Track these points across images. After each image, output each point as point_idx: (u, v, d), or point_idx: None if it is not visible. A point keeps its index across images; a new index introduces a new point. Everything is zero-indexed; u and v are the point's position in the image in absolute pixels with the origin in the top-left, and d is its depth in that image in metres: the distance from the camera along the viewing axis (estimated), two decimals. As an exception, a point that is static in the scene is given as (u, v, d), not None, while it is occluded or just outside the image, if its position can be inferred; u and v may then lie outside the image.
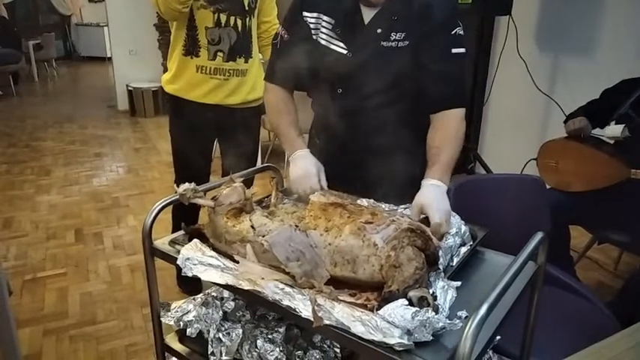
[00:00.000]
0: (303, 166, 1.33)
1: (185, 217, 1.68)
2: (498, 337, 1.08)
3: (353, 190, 1.33)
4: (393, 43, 1.31)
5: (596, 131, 2.35)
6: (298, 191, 1.31)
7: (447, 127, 1.29)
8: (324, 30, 1.37)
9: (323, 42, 1.37)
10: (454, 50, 1.30)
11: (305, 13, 1.39)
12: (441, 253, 0.96)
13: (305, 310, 0.82)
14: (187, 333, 1.13)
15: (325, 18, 1.36)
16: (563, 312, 1.58)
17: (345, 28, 1.34)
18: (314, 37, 1.39)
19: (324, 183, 1.33)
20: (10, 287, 1.81)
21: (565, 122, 2.41)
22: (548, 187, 2.27)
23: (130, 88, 6.34)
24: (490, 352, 1.09)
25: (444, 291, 0.87)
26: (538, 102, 3.40)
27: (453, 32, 1.30)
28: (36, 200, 3.75)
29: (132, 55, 6.42)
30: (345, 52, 1.35)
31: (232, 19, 2.07)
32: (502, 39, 3.49)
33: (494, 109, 3.91)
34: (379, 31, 1.31)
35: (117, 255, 2.94)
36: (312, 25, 1.38)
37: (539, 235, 0.93)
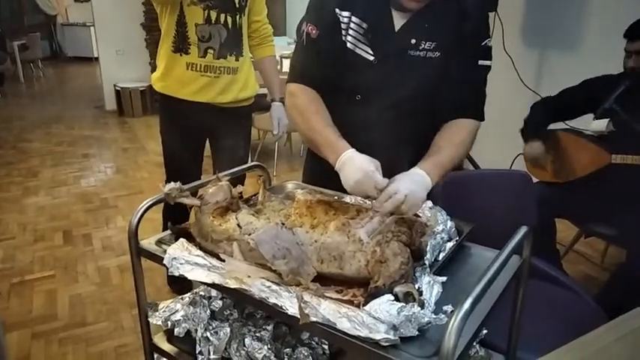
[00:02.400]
0: (359, 167, 1.12)
1: (175, 216, 1.67)
2: (485, 331, 1.09)
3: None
4: (422, 53, 1.25)
5: (582, 126, 2.38)
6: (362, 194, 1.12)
7: (454, 133, 1.26)
8: (351, 32, 1.28)
9: (349, 45, 1.28)
10: (481, 62, 1.27)
11: (338, 10, 1.27)
12: (428, 248, 0.96)
13: (292, 308, 0.82)
14: (175, 332, 1.13)
15: (356, 20, 1.27)
16: (551, 305, 1.60)
17: (376, 34, 1.26)
18: (343, 37, 1.28)
19: (382, 181, 1.09)
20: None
21: (525, 135, 2.41)
22: (535, 180, 2.29)
23: (117, 88, 6.30)
24: (477, 346, 1.09)
25: (430, 286, 0.87)
26: (524, 97, 3.42)
27: (483, 44, 1.27)
28: (23, 202, 3.71)
29: (119, 55, 6.37)
30: (370, 58, 1.28)
31: (222, 16, 2.06)
32: (488, 35, 3.51)
33: (482, 105, 3.91)
34: (409, 39, 1.24)
35: (106, 256, 2.92)
36: (343, 25, 1.28)
37: (523, 229, 0.94)
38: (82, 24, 10.73)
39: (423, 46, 1.25)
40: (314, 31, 1.29)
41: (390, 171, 1.20)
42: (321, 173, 1.44)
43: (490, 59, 1.29)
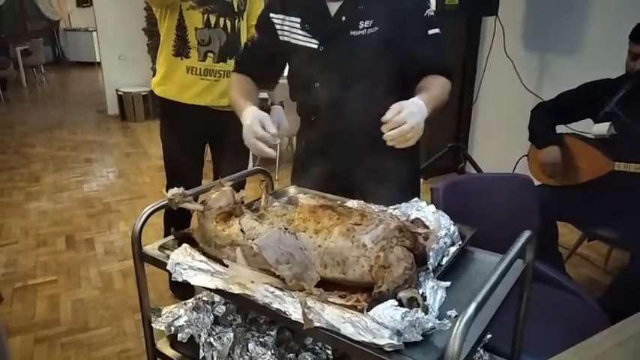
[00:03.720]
0: (250, 114, 1.30)
1: (177, 221, 1.68)
2: (489, 336, 1.09)
3: (343, 188, 1.33)
4: (363, 31, 1.33)
5: (584, 129, 2.38)
6: (250, 145, 1.30)
7: (431, 81, 1.31)
8: (293, 30, 1.41)
9: (294, 41, 1.41)
10: (430, 32, 1.34)
11: (271, 14, 1.45)
12: (431, 254, 0.96)
13: (295, 313, 0.82)
14: (178, 338, 1.13)
15: (291, 19, 1.41)
16: (554, 309, 1.59)
17: (312, 23, 1.38)
18: (280, 37, 1.44)
19: (273, 129, 1.27)
20: (0, 294, 1.80)
21: (537, 142, 2.40)
22: (537, 183, 2.29)
23: (119, 93, 6.32)
24: (481, 351, 1.09)
25: (434, 291, 0.87)
26: (526, 101, 3.42)
27: (425, 14, 1.34)
28: (26, 207, 3.72)
29: (121, 60, 6.40)
30: (316, 46, 1.38)
31: (222, 20, 2.08)
32: (489, 39, 3.51)
33: (483, 108, 3.93)
34: (345, 20, 1.33)
35: (108, 261, 2.92)
36: (277, 26, 1.44)
37: (526, 234, 0.94)
38: (84, 29, 10.77)
39: (362, 25, 1.33)
40: (256, 35, 1.51)
41: (361, 152, 1.35)
42: (308, 169, 1.49)
43: (437, 27, 1.35)
